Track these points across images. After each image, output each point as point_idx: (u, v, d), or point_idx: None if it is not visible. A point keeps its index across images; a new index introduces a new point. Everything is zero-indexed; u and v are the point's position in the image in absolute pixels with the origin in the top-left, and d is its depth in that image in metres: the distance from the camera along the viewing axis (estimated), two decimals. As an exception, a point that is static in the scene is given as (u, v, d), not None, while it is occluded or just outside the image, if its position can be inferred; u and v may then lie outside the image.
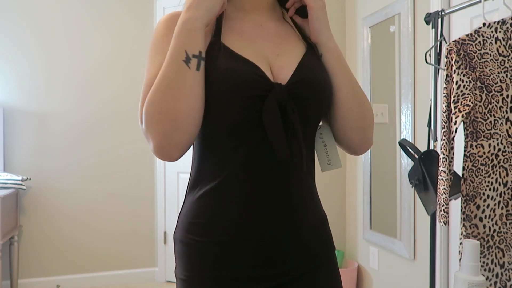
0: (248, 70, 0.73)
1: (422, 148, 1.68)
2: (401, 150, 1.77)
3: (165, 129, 0.71)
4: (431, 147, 1.64)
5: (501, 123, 1.29)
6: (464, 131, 1.29)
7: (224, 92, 0.72)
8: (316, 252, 0.81)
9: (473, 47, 1.29)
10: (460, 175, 1.30)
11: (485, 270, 1.28)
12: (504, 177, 1.29)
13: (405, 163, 2.21)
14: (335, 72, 0.81)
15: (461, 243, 1.27)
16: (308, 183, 0.82)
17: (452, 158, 1.30)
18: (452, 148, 1.29)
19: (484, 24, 1.30)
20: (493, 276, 1.28)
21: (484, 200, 1.29)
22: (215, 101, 0.73)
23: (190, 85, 0.70)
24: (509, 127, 1.30)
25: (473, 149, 1.28)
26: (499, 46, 1.30)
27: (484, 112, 1.29)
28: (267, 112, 0.72)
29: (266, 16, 0.84)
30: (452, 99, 1.27)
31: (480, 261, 1.28)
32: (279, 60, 0.79)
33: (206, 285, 0.77)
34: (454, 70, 1.27)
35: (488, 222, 1.29)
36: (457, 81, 1.26)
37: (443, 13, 1.60)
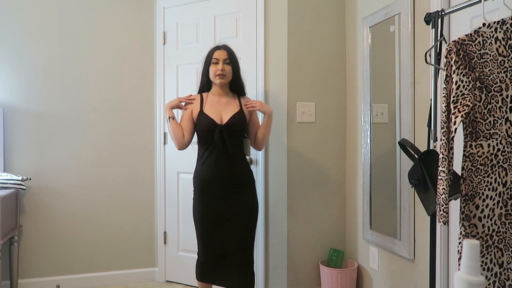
0: (208, 121, 2.14)
1: (422, 148, 1.68)
2: (401, 150, 1.77)
3: (174, 142, 2.24)
4: (431, 147, 1.64)
5: (501, 123, 1.29)
6: (464, 131, 1.29)
7: (201, 129, 2.17)
8: (243, 182, 2.19)
9: (472, 47, 1.29)
10: (460, 175, 1.30)
11: (484, 269, 1.28)
12: (503, 177, 1.30)
13: (405, 163, 2.21)
14: (264, 126, 2.28)
15: (460, 243, 1.27)
16: (240, 158, 2.20)
17: (452, 158, 1.30)
18: (452, 148, 1.29)
19: (484, 24, 1.30)
20: (492, 275, 1.29)
21: (483, 200, 1.29)
22: (199, 132, 2.19)
23: (171, 128, 2.21)
24: (509, 127, 1.30)
25: (472, 149, 1.29)
26: (499, 46, 1.30)
27: (484, 112, 1.29)
28: (215, 135, 2.10)
29: (225, 97, 2.24)
30: (452, 99, 1.27)
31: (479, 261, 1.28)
32: (224, 115, 2.17)
33: (200, 198, 2.19)
34: (454, 70, 1.27)
35: (487, 221, 1.29)
36: (456, 81, 1.26)
37: (443, 13, 1.60)
